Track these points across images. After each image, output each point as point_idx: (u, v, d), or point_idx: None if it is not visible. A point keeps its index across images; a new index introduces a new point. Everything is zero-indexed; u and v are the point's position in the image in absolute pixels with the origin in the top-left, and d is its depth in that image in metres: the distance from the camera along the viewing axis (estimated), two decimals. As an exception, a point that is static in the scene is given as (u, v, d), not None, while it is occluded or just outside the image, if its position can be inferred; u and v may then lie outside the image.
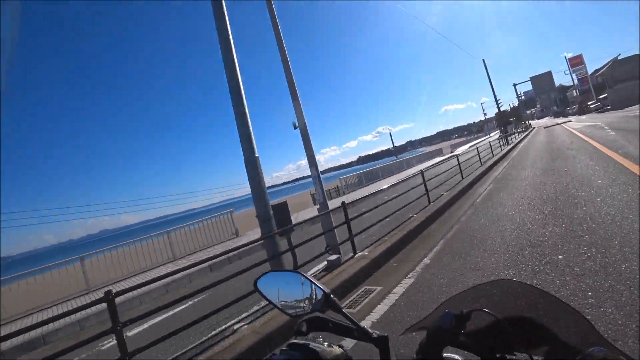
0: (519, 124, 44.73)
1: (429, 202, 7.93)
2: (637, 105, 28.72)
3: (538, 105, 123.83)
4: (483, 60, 28.47)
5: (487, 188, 8.80)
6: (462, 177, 10.79)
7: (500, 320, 0.56)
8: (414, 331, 0.69)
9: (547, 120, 59.58)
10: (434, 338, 0.60)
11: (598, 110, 40.18)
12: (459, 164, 11.05)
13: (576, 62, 44.44)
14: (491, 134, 51.58)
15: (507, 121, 45.32)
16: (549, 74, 41.68)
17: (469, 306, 0.60)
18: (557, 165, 9.25)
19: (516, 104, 57.16)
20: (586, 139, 13.62)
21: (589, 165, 7.96)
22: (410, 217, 6.90)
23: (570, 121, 33.79)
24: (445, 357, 0.63)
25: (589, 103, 43.02)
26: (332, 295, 0.73)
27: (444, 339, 0.60)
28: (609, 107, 36.18)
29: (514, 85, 43.56)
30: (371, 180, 25.78)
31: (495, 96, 31.65)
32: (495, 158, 14.43)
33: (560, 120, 45.05)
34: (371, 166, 31.27)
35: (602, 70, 50.09)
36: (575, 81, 46.27)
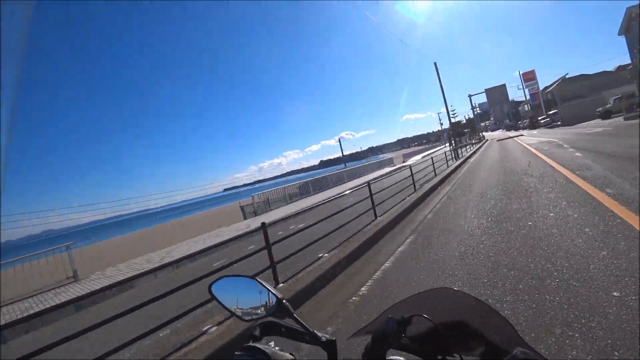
0: (473, 136, 43.52)
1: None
2: (587, 122, 27.74)
3: (492, 118, 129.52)
4: (435, 63, 25.69)
5: (383, 267, 4.63)
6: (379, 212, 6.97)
7: (437, 325, 0.62)
8: (360, 335, 0.73)
9: (500, 133, 59.92)
10: (378, 341, 0.64)
11: (548, 125, 39.86)
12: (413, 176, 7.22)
13: (529, 78, 44.42)
14: (446, 144, 50.37)
15: (462, 132, 43.96)
16: (503, 87, 40.87)
17: (410, 312, 0.65)
18: (513, 207, 5.68)
19: (471, 116, 57.14)
20: (547, 159, 10.56)
21: (567, 217, 4.42)
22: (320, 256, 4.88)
23: (523, 135, 32.44)
24: None
25: (539, 118, 42.78)
26: (284, 301, 0.76)
27: (388, 342, 0.63)
28: (559, 123, 35.58)
29: (469, 96, 42.21)
30: (307, 194, 21.91)
31: (446, 103, 29.27)
32: (435, 181, 10.96)
33: (512, 133, 44.49)
34: (333, 170, 30.14)
35: (551, 88, 50.86)
36: (528, 96, 46.20)
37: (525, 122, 52.06)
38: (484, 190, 7.91)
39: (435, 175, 12.45)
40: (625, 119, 20.89)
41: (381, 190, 8.06)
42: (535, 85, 43.98)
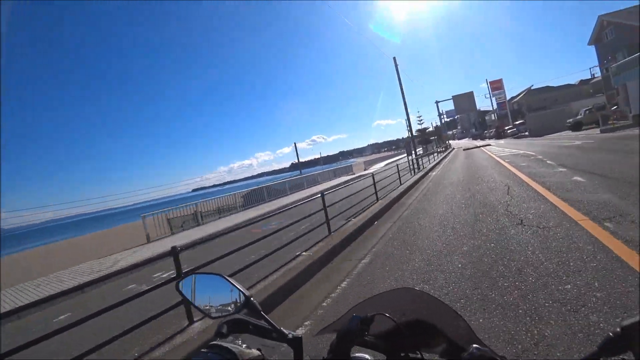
0: (440, 144, 41.17)
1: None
2: (557, 134, 25.68)
3: (459, 127, 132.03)
4: (394, 58, 22.43)
5: None
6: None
7: (398, 324, 0.64)
8: (325, 333, 0.75)
9: (466, 142, 58.66)
10: (343, 339, 0.64)
11: (515, 135, 38.23)
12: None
13: (496, 86, 43.01)
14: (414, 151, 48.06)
15: (428, 139, 41.49)
16: (470, 94, 38.81)
17: (374, 311, 0.66)
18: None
19: (438, 123, 55.49)
20: (534, 184, 7.01)
21: None
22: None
23: (490, 145, 30.03)
24: (353, 357, 0.67)
25: (506, 128, 41.18)
26: (252, 298, 0.76)
27: (352, 340, 0.64)
28: (526, 133, 33.75)
29: (437, 102, 39.82)
30: (256, 203, 17.71)
31: (406, 106, 26.17)
32: (381, 205, 7.09)
33: (479, 142, 42.66)
34: (304, 173, 29.15)
35: (518, 98, 50.05)
36: (495, 105, 44.73)
37: (491, 132, 50.79)
38: (432, 266, 4.01)
39: (376, 200, 8.57)
40: (602, 131, 18.49)
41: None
42: (503, 95, 42.53)
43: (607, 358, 0.46)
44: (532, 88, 48.00)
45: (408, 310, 0.70)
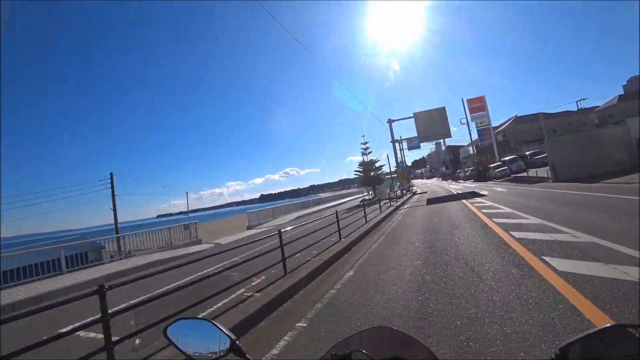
0: (402, 185, 26.72)
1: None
2: (616, 179, 11.59)
3: (427, 165, 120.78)
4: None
5: None
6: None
7: None
8: None
9: (435, 184, 45.01)
10: None
11: (505, 177, 24.54)
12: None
13: (477, 107, 30.49)
14: (367, 192, 33.42)
15: (378, 178, 26.82)
16: (442, 112, 25.42)
17: (352, 349, 0.69)
18: None
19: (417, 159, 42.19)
20: None
21: None
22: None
23: (483, 195, 15.36)
24: None
25: (491, 165, 27.42)
26: (237, 342, 0.77)
27: None
28: (526, 174, 19.74)
29: (390, 121, 25.81)
30: None
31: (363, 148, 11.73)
32: None
33: (453, 185, 28.50)
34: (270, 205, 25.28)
35: (502, 127, 37.88)
36: (474, 134, 31.70)
37: (467, 171, 37.31)
38: None
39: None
40: None
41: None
42: (486, 118, 29.84)
43: None
44: (519, 116, 35.71)
45: (385, 348, 0.73)
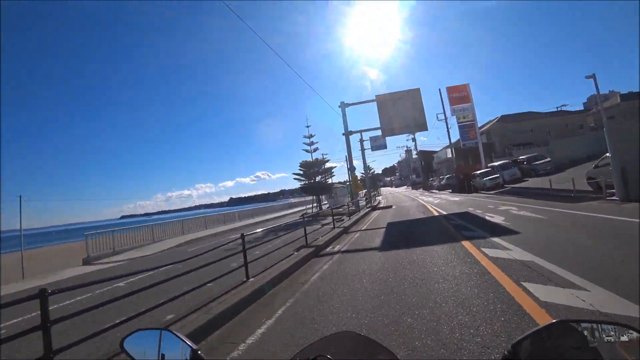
0: (357, 195, 19.07)
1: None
2: None
3: (397, 173, 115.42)
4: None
5: None
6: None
7: None
8: None
9: (404, 193, 38.14)
10: None
11: (498, 189, 17.62)
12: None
13: (459, 97, 23.73)
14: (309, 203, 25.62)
15: (322, 185, 19.04)
16: (415, 93, 18.12)
17: (316, 354, 0.67)
18: None
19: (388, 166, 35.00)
20: None
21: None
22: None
23: (496, 224, 7.61)
24: None
25: (478, 172, 20.46)
26: (199, 352, 0.74)
27: None
28: (525, 183, 12.67)
29: (342, 106, 18.22)
30: None
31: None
32: None
33: (426, 197, 21.18)
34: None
35: (487, 127, 31.67)
36: (455, 134, 24.94)
37: (442, 179, 30.53)
38: None
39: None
40: None
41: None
42: (470, 112, 23.13)
43: None
44: (506, 115, 29.54)
45: (349, 353, 0.74)
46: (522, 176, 19.89)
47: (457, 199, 16.78)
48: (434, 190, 31.12)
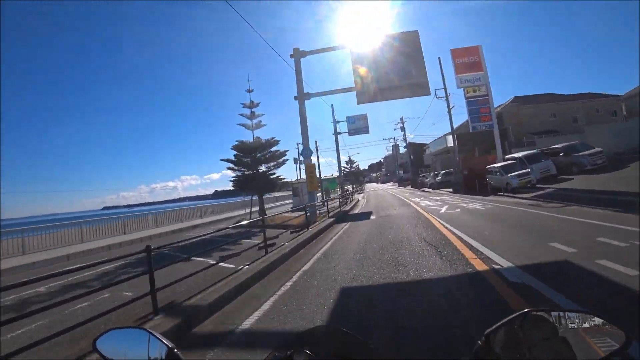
0: (312, 195, 12.89)
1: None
2: None
3: (384, 169, 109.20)
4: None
5: None
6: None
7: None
8: None
9: (389, 191, 31.99)
10: None
11: (537, 190, 11.50)
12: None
13: (467, 64, 17.24)
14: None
15: (265, 179, 12.49)
16: (413, 37, 11.71)
17: (294, 348, 0.67)
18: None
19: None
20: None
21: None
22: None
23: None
24: None
25: (496, 166, 14.24)
26: (176, 350, 0.73)
27: None
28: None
29: (296, 55, 11.65)
30: None
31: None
32: None
33: (421, 200, 14.68)
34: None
35: (500, 108, 25.47)
36: (460, 115, 18.54)
37: (438, 175, 24.32)
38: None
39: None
40: None
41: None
42: (483, 84, 16.91)
43: None
44: (520, 96, 23.53)
45: (326, 346, 0.73)
46: (557, 173, 13.87)
47: (475, 206, 10.43)
48: (426, 189, 24.90)
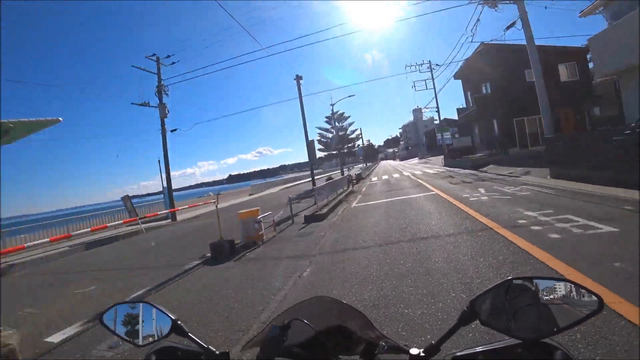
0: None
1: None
2: None
3: (402, 143, 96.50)
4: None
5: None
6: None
7: (316, 332, 0.66)
8: (250, 347, 0.76)
9: (415, 168, 26.16)
10: (266, 349, 0.66)
11: None
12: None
13: None
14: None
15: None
16: None
17: (291, 318, 0.69)
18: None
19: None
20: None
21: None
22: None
23: None
24: None
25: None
26: (179, 322, 0.75)
27: (274, 349, 0.65)
28: None
29: None
30: None
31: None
32: None
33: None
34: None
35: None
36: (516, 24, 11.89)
37: (494, 153, 18.10)
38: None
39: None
40: None
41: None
42: None
43: (464, 326, 0.63)
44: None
45: (324, 317, 0.74)
46: None
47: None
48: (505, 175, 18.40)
